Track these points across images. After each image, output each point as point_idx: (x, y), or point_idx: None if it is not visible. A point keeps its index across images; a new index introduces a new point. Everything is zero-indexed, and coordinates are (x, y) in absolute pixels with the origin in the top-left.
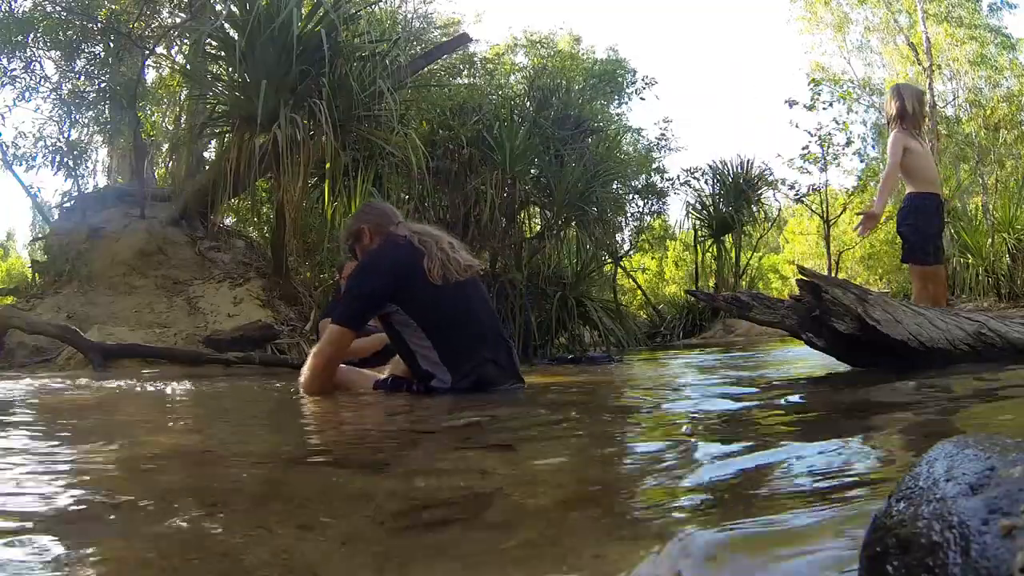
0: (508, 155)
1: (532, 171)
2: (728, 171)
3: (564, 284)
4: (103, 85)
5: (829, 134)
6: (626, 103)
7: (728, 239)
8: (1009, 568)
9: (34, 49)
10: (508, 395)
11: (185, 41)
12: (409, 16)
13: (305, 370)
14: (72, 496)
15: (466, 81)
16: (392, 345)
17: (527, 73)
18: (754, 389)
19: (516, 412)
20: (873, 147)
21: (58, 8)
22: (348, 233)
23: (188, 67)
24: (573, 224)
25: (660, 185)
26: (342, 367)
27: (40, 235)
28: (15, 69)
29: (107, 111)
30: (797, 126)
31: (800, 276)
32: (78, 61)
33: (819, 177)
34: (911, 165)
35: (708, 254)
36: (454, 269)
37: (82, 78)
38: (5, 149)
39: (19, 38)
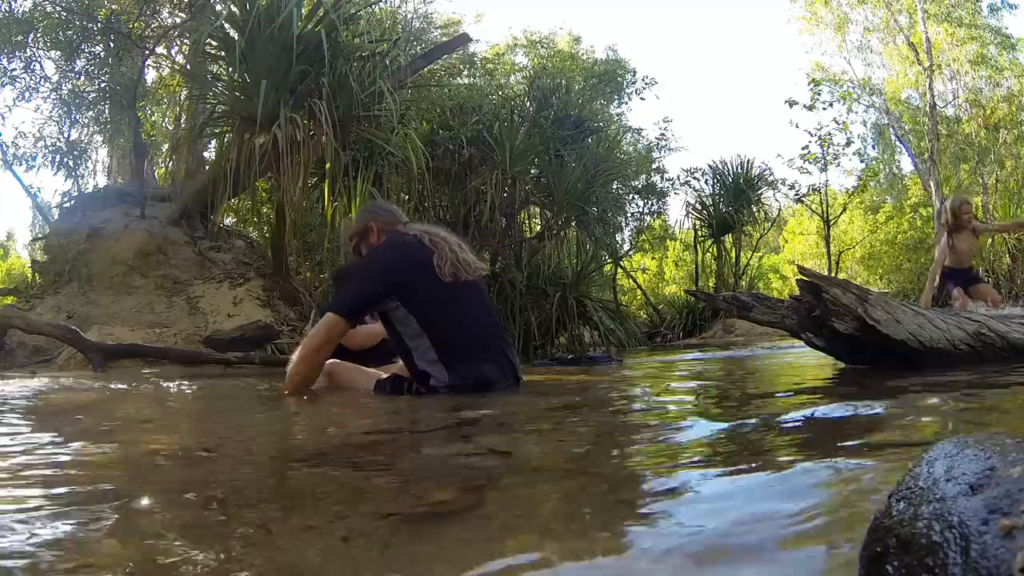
0: (508, 155)
1: (532, 171)
2: (728, 171)
3: (564, 284)
4: (103, 85)
5: (829, 134)
6: (626, 103)
7: (728, 239)
8: (1009, 568)
9: (34, 49)
10: (506, 395)
11: (185, 41)
12: (409, 16)
13: (293, 357)
14: (72, 496)
15: (466, 81)
16: (390, 342)
17: (527, 73)
18: (753, 388)
19: (515, 413)
20: (873, 147)
21: (58, 8)
22: (354, 230)
23: (188, 67)
24: (573, 224)
25: (660, 185)
26: (345, 364)
27: (40, 235)
28: (15, 69)
29: (107, 111)
30: (797, 126)
31: (800, 276)
32: (78, 61)
33: (819, 177)
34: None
35: (708, 254)
36: (463, 268)
37: (82, 78)
38: (5, 149)
39: (19, 38)
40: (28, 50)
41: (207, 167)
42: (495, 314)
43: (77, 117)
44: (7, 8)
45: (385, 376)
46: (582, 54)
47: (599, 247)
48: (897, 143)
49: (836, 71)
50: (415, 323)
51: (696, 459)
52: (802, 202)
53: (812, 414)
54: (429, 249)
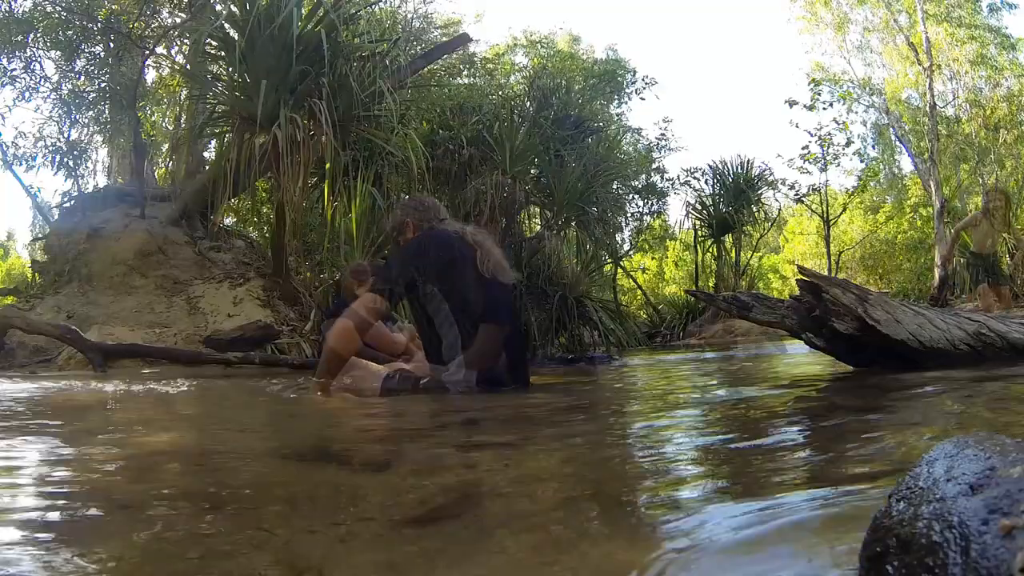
0: (508, 155)
1: (532, 171)
2: (728, 171)
3: (564, 284)
4: (103, 85)
5: (829, 134)
6: (626, 103)
7: (728, 239)
8: (1009, 568)
9: (34, 49)
10: (511, 396)
11: (185, 41)
12: (409, 16)
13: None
14: (73, 496)
15: (466, 81)
16: (419, 328)
17: (527, 73)
18: (753, 388)
19: (517, 412)
20: (873, 147)
21: (58, 8)
22: (393, 225)
23: (188, 67)
24: (573, 224)
25: (660, 185)
26: (351, 359)
27: (40, 235)
28: (15, 69)
29: (107, 111)
30: (797, 126)
31: (800, 276)
32: (78, 61)
33: (819, 177)
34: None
35: (708, 254)
36: (501, 270)
37: (82, 78)
38: (5, 149)
39: (19, 38)
40: (28, 50)
41: (207, 167)
42: (520, 318)
43: (77, 117)
44: (7, 8)
45: (392, 372)
46: (582, 54)
47: (599, 247)
48: (897, 143)
49: (836, 71)
50: (448, 311)
51: (695, 458)
52: (802, 202)
53: (807, 415)
54: (472, 246)
